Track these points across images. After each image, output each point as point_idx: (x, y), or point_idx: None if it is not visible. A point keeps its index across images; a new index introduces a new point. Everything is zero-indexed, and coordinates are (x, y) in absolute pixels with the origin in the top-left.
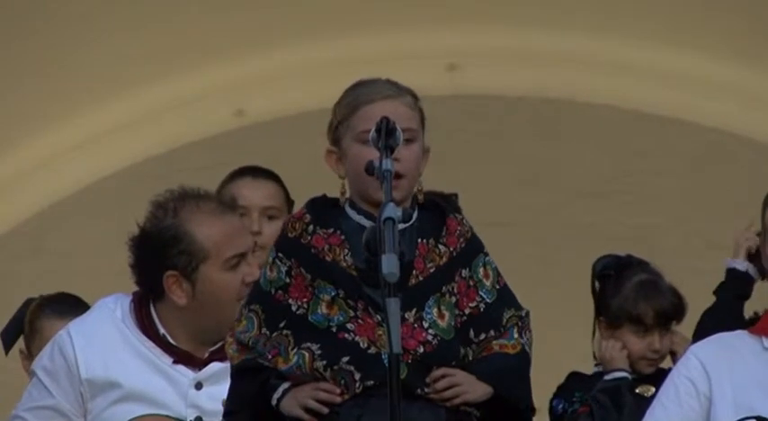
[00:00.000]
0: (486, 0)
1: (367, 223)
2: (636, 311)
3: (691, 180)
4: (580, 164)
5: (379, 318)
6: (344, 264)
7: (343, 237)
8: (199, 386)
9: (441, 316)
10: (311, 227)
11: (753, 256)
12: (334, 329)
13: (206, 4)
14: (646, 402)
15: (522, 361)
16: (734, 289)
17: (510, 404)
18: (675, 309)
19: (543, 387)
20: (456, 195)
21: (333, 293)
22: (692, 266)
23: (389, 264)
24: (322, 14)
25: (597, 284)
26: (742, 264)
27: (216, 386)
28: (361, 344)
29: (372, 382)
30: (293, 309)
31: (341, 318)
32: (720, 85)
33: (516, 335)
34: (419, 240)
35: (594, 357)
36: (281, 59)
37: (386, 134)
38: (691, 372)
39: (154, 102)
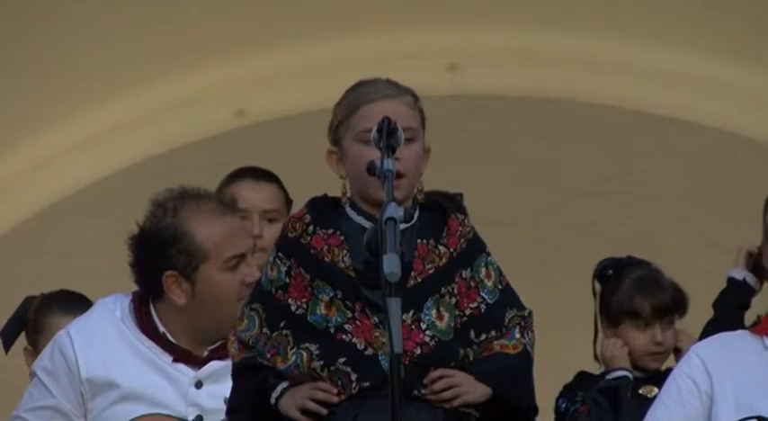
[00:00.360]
0: (486, 0)
1: (367, 224)
2: (633, 306)
3: (691, 180)
4: (580, 164)
5: (377, 320)
6: (343, 265)
7: (342, 238)
8: (199, 385)
9: (440, 317)
10: (311, 227)
11: (756, 264)
12: (332, 330)
13: (206, 4)
14: (648, 403)
15: (523, 361)
16: (732, 299)
17: (511, 404)
18: (676, 302)
19: (542, 386)
20: (461, 195)
21: (331, 294)
22: (692, 266)
23: (391, 264)
24: (322, 14)
25: (598, 286)
26: (740, 273)
27: (216, 384)
28: (358, 346)
29: (368, 383)
30: (292, 308)
31: (339, 319)
32: (720, 85)
33: (518, 335)
34: (419, 241)
35: (596, 359)
36: (281, 59)
37: (387, 134)
38: (692, 371)
39: (154, 102)
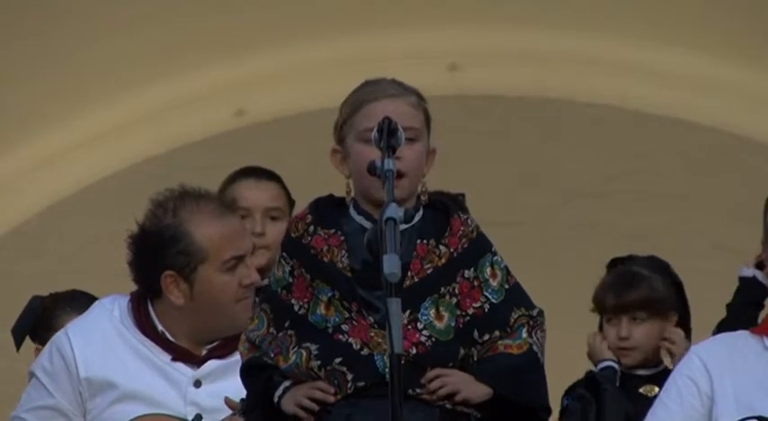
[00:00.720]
0: (486, 0)
1: (367, 224)
2: (601, 300)
3: (691, 180)
4: (580, 164)
5: (372, 320)
6: (340, 265)
7: (342, 238)
8: (198, 384)
9: (439, 317)
10: (312, 227)
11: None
12: (330, 330)
13: (206, 4)
14: (649, 402)
15: (527, 360)
16: (743, 296)
17: (517, 404)
18: (644, 301)
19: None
20: (463, 195)
21: (329, 294)
22: (692, 266)
23: (391, 265)
24: (322, 14)
25: None
26: (748, 271)
27: (215, 383)
28: (354, 346)
29: (364, 383)
30: (295, 308)
31: (336, 319)
32: (720, 85)
33: (525, 335)
34: (418, 241)
35: None
36: (281, 59)
37: (387, 134)
38: (692, 372)
39: (154, 102)
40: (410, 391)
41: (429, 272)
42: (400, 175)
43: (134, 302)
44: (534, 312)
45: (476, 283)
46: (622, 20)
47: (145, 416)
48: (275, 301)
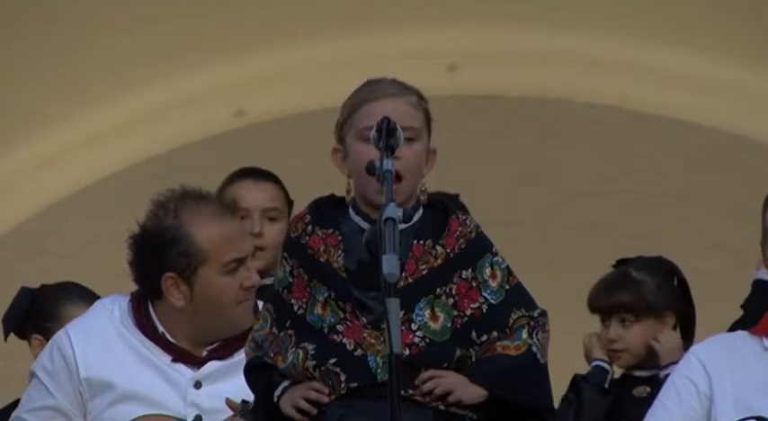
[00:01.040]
0: (486, 0)
1: (365, 225)
2: (590, 302)
3: (690, 180)
4: (580, 164)
5: (365, 321)
6: (336, 266)
7: (340, 238)
8: (198, 385)
9: (434, 318)
10: (310, 227)
11: None
12: (326, 330)
13: (206, 4)
14: (641, 403)
15: (526, 361)
16: (762, 298)
17: (516, 405)
18: (630, 302)
19: None
20: (457, 195)
21: (326, 294)
22: (692, 266)
23: (390, 265)
24: (322, 14)
25: None
26: (766, 274)
27: (215, 384)
28: (348, 346)
29: (356, 384)
30: (295, 308)
31: (332, 320)
32: (720, 85)
33: (525, 336)
34: (414, 242)
35: None
36: (281, 59)
37: (386, 134)
38: (691, 372)
39: (154, 102)
40: (403, 392)
41: (424, 272)
42: (399, 178)
43: (134, 303)
44: (535, 313)
45: (474, 284)
46: (622, 20)
47: (145, 416)
48: (277, 301)
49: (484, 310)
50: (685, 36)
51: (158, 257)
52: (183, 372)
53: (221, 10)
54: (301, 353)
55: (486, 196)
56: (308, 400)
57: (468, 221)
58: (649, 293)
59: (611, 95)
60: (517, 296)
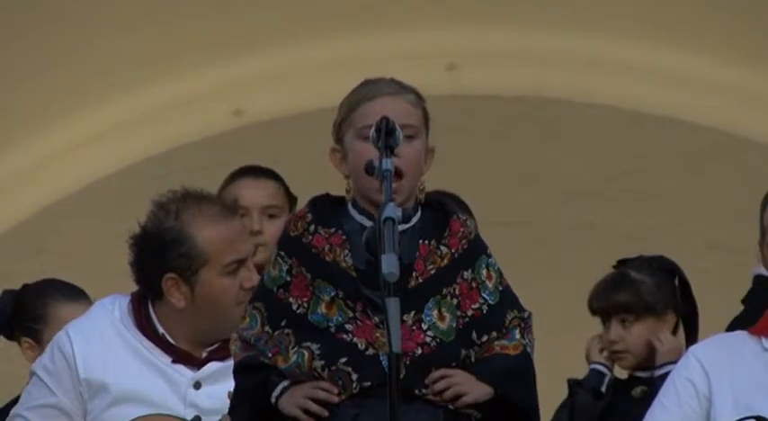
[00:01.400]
0: (486, 0)
1: (368, 223)
2: (589, 303)
3: (690, 180)
4: (580, 164)
5: (378, 320)
6: (344, 265)
7: (344, 237)
8: (197, 385)
9: (441, 318)
10: (312, 226)
11: None
12: (332, 330)
13: (206, 4)
14: (637, 403)
15: (523, 361)
16: (762, 294)
17: (512, 405)
18: (628, 303)
19: (541, 387)
20: (455, 195)
21: (332, 294)
22: (692, 266)
23: (389, 264)
24: (322, 14)
25: None
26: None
27: (215, 385)
28: (359, 346)
29: (370, 383)
30: (293, 307)
31: (339, 319)
32: (720, 85)
33: (518, 337)
34: (420, 241)
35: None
36: (280, 59)
37: (385, 134)
38: (690, 373)
39: (154, 102)
40: (416, 392)
41: (432, 272)
42: (399, 175)
43: (135, 303)
44: (525, 314)
45: (474, 285)
46: (622, 20)
47: (144, 417)
48: (270, 300)
49: (484, 311)
50: (685, 36)
51: (159, 258)
52: (183, 373)
53: (221, 10)
54: (306, 352)
55: (486, 196)
56: (316, 400)
57: (468, 222)
58: (648, 293)
59: (611, 95)
60: (510, 297)
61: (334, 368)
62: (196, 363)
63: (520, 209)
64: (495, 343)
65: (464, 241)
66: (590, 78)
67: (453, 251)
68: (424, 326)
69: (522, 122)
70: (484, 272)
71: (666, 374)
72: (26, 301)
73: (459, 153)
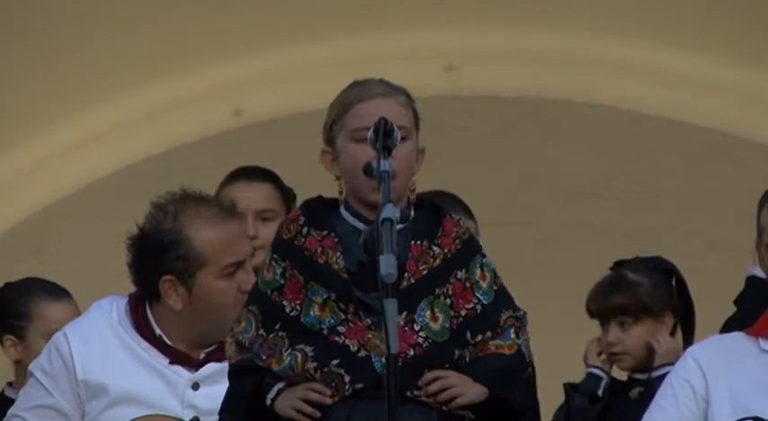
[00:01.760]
0: (486, 0)
1: (360, 225)
2: (587, 306)
3: (690, 180)
4: (579, 164)
5: (369, 322)
6: (336, 267)
7: (336, 240)
8: (195, 386)
9: (434, 318)
10: (305, 228)
11: None
12: (325, 332)
13: (206, 4)
14: (634, 404)
15: (518, 361)
16: (754, 295)
17: (508, 405)
18: (626, 305)
19: (538, 388)
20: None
21: (324, 296)
22: (691, 266)
23: (387, 265)
24: (322, 14)
25: None
26: (760, 270)
27: (213, 386)
28: (351, 348)
29: (362, 385)
30: (287, 310)
31: (332, 321)
32: (720, 85)
33: (513, 336)
34: (412, 242)
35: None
36: (280, 59)
37: (384, 135)
38: (688, 374)
39: (154, 102)
40: (408, 393)
41: (424, 273)
42: (392, 176)
43: (132, 304)
44: (520, 314)
45: (467, 285)
46: (622, 20)
47: (143, 417)
48: (265, 303)
49: (478, 311)
50: (685, 36)
51: (157, 260)
52: (181, 374)
53: (221, 10)
54: (299, 354)
55: (486, 196)
56: (309, 402)
57: (461, 221)
58: (645, 294)
59: (611, 95)
60: (504, 297)
61: (326, 370)
62: (194, 365)
63: (520, 209)
64: (490, 342)
65: (457, 241)
66: (590, 78)
67: (446, 251)
68: (417, 327)
69: (522, 122)
70: (478, 271)
71: (664, 376)
72: (9, 299)
73: (459, 153)
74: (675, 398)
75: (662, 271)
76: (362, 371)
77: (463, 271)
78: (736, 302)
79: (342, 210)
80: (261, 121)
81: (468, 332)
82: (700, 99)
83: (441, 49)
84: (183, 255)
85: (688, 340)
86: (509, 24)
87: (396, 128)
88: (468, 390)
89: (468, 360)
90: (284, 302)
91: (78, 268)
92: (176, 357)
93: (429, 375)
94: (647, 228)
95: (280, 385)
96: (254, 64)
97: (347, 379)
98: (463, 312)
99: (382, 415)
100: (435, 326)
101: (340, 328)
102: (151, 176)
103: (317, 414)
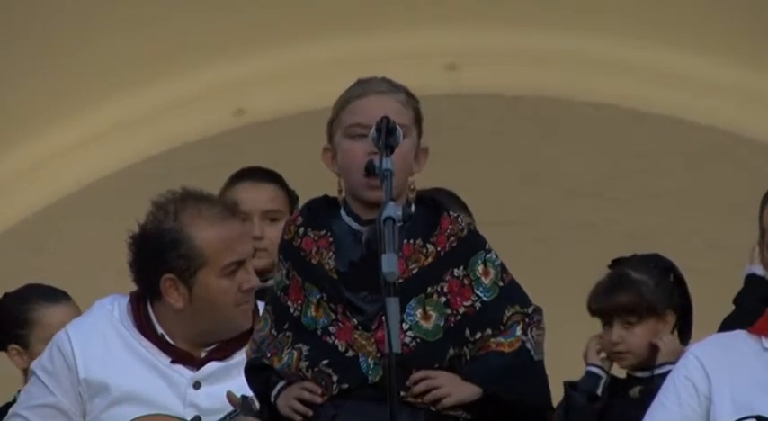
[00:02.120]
0: (486, 0)
1: (355, 225)
2: (589, 305)
3: (690, 180)
4: (580, 163)
5: (356, 322)
6: (327, 267)
7: (331, 240)
8: (197, 385)
9: (426, 317)
10: (302, 229)
11: None
12: (319, 332)
13: (206, 4)
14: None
15: (519, 358)
16: (753, 293)
17: (510, 403)
18: (629, 304)
19: None
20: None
21: (318, 296)
22: (691, 265)
23: (389, 264)
24: (322, 14)
25: None
26: (759, 268)
27: (214, 385)
28: (340, 348)
29: (348, 385)
30: (291, 310)
31: (325, 321)
32: (720, 85)
33: (519, 333)
34: (405, 241)
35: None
36: (281, 59)
37: (386, 133)
38: (690, 372)
39: (154, 102)
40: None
41: (414, 271)
42: None
43: (134, 303)
44: (530, 310)
45: (466, 282)
46: (622, 20)
47: (144, 417)
48: (276, 303)
49: (477, 308)
50: (685, 36)
51: (158, 259)
52: (183, 373)
53: (221, 10)
54: (296, 353)
55: (486, 196)
56: (302, 401)
57: (459, 219)
58: (649, 293)
59: (611, 95)
60: (512, 293)
61: (316, 369)
62: (195, 363)
63: (520, 208)
64: (491, 340)
65: (452, 239)
66: (590, 78)
67: (439, 249)
68: (405, 327)
69: (522, 122)
70: (480, 268)
71: (665, 374)
72: (9, 308)
73: (459, 152)
74: (678, 397)
75: (661, 269)
76: (349, 371)
77: (461, 268)
78: (735, 301)
79: (341, 209)
80: (261, 121)
81: (467, 329)
82: (700, 98)
83: (441, 49)
84: (184, 254)
85: (685, 338)
86: (509, 24)
87: (398, 126)
88: (455, 391)
89: (468, 358)
90: (289, 303)
91: (78, 268)
92: (178, 356)
93: (416, 375)
94: (647, 227)
95: (281, 384)
96: (255, 64)
97: (335, 378)
98: (461, 309)
99: (367, 415)
100: (427, 325)
101: (331, 329)
102: (151, 176)
103: (309, 412)
